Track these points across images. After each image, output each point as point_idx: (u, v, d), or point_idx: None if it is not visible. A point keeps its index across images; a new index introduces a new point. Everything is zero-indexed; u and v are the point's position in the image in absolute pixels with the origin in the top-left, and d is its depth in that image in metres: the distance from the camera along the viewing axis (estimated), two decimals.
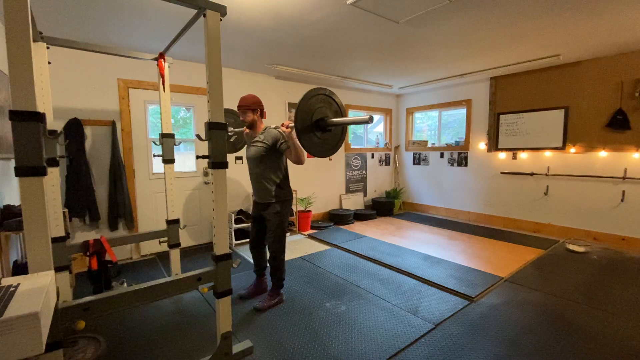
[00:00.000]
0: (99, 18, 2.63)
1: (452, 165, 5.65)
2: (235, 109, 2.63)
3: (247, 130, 2.57)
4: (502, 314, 2.37)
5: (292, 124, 2.07)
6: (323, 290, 2.80)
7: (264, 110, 2.51)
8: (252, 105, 2.42)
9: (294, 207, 4.77)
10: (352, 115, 5.85)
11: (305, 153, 2.26)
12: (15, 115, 1.13)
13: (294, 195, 4.76)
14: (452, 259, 3.50)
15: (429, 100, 5.93)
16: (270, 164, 2.45)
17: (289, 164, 2.63)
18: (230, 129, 2.69)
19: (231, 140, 2.81)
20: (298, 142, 2.03)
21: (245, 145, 2.66)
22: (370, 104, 6.06)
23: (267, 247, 2.58)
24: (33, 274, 1.15)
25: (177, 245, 2.80)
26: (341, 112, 2.08)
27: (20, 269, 2.29)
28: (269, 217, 2.49)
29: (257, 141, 2.45)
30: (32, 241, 1.19)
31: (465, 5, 2.48)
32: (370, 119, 1.78)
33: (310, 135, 1.92)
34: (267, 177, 2.46)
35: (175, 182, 2.78)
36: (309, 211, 4.89)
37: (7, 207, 2.23)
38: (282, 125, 2.30)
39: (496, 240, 4.23)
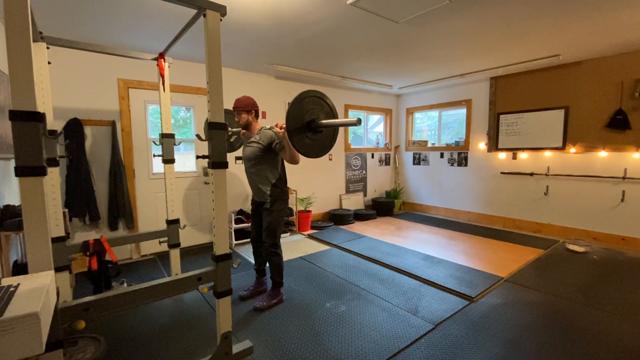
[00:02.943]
0: (99, 18, 2.63)
1: (452, 165, 5.65)
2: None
3: (243, 131, 2.61)
4: (502, 314, 2.37)
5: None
6: (323, 290, 2.80)
7: (259, 110, 2.54)
8: (246, 107, 2.47)
9: (294, 207, 4.78)
10: (351, 115, 5.88)
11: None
12: (15, 115, 1.13)
13: (294, 195, 4.76)
14: (452, 259, 3.50)
15: (429, 100, 5.93)
16: (266, 163, 2.48)
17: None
18: (229, 129, 2.73)
19: (231, 140, 2.82)
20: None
21: (243, 145, 2.68)
22: (370, 104, 6.06)
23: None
24: (33, 274, 1.15)
25: (177, 245, 2.80)
26: (333, 113, 2.10)
27: (20, 269, 2.29)
28: (264, 215, 2.53)
29: (253, 142, 2.48)
30: (32, 241, 1.19)
31: (465, 5, 2.49)
32: (359, 121, 1.81)
33: (302, 137, 1.95)
34: (263, 176, 2.49)
35: (175, 182, 2.78)
36: (309, 211, 4.89)
37: (7, 207, 2.23)
38: (276, 125, 2.34)
39: (496, 240, 4.23)
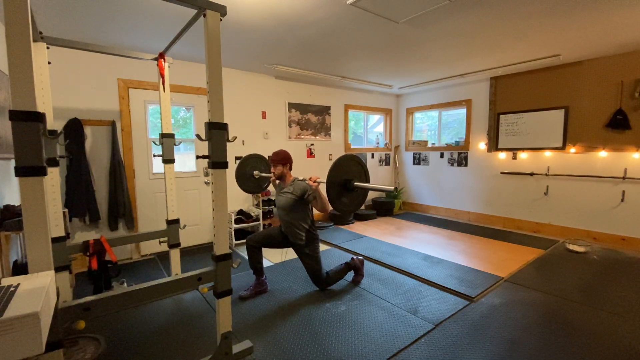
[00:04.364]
0: (99, 18, 2.63)
1: (452, 165, 5.65)
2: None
3: (277, 180, 2.80)
4: (502, 314, 2.37)
5: (320, 180, 2.29)
6: (323, 290, 2.80)
7: (292, 163, 2.76)
8: (282, 160, 2.69)
9: None
10: (351, 115, 5.89)
11: (325, 197, 2.37)
12: (15, 115, 1.13)
13: None
14: (452, 259, 3.50)
15: (429, 100, 5.93)
16: (299, 211, 2.67)
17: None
18: (256, 172, 2.96)
19: (256, 177, 3.00)
20: (324, 194, 2.18)
21: (276, 194, 2.85)
22: (370, 104, 6.06)
23: (315, 284, 2.81)
24: (33, 274, 1.15)
25: (177, 245, 2.80)
26: (366, 176, 2.18)
27: (20, 269, 2.28)
28: (303, 259, 2.74)
29: (287, 192, 2.67)
30: (32, 241, 1.19)
31: (465, 5, 2.49)
32: (395, 190, 1.86)
33: (340, 197, 2.04)
34: (297, 224, 2.68)
35: (175, 182, 2.78)
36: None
37: (7, 207, 2.23)
38: (310, 179, 2.45)
39: (496, 240, 4.23)
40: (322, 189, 2.22)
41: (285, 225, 2.74)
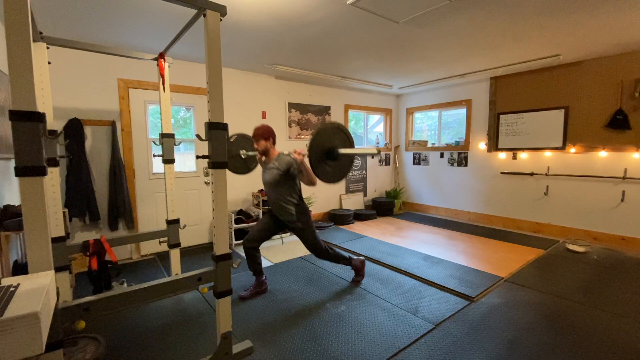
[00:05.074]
0: (99, 18, 2.63)
1: (452, 165, 5.65)
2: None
3: (262, 157, 2.74)
4: (502, 314, 2.37)
5: (304, 152, 2.21)
6: (323, 290, 2.80)
7: (276, 137, 2.71)
8: (264, 134, 2.61)
9: None
10: (351, 115, 5.88)
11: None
12: (15, 115, 1.13)
13: None
14: (452, 259, 3.50)
15: (429, 100, 5.93)
16: (285, 186, 2.62)
17: None
18: (243, 151, 2.91)
19: (243, 158, 2.97)
20: (309, 167, 2.14)
21: (262, 170, 2.80)
22: (370, 104, 6.06)
23: (315, 257, 2.80)
24: (33, 274, 1.15)
25: (177, 245, 2.80)
26: (350, 142, 2.16)
27: (20, 269, 2.28)
28: (299, 234, 2.71)
29: (272, 167, 2.61)
30: (32, 241, 1.19)
31: (465, 5, 2.49)
32: (379, 152, 1.89)
33: (323, 165, 2.04)
34: (285, 199, 2.63)
35: (175, 182, 2.78)
36: (309, 211, 4.87)
37: (7, 207, 2.22)
38: (295, 152, 2.44)
39: (496, 240, 4.23)
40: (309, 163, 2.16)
41: (274, 203, 2.68)
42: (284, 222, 2.72)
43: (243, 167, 3.00)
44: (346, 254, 2.92)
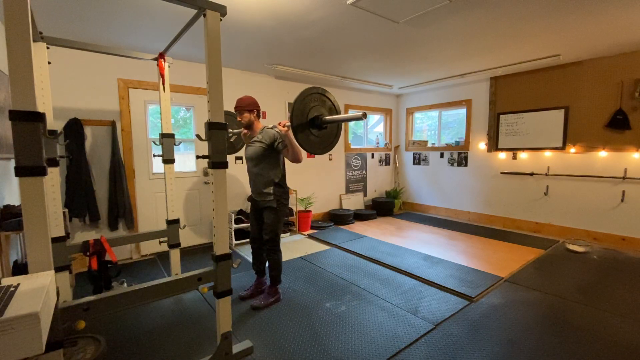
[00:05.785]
0: (99, 18, 2.63)
1: (452, 165, 5.65)
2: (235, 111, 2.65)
3: (245, 131, 2.61)
4: (502, 314, 2.37)
5: (289, 123, 2.10)
6: (323, 290, 2.80)
7: (261, 110, 2.55)
8: (248, 106, 2.48)
9: (293, 207, 4.78)
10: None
11: (303, 151, 2.28)
12: (15, 115, 1.13)
13: (294, 195, 4.76)
14: (452, 259, 3.50)
15: (429, 100, 5.93)
16: (268, 163, 2.49)
17: (287, 163, 2.63)
18: (229, 130, 2.75)
19: (231, 140, 2.84)
20: (295, 141, 2.05)
21: (244, 145, 2.68)
22: (370, 104, 6.06)
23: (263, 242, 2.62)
24: (33, 274, 1.15)
25: (177, 245, 2.80)
26: (335, 109, 2.11)
27: (20, 269, 2.28)
28: (266, 213, 2.54)
29: (256, 141, 2.50)
30: (32, 241, 1.19)
31: (465, 6, 2.48)
32: (364, 115, 1.80)
33: (307, 133, 1.96)
34: (266, 176, 2.50)
35: (175, 182, 2.78)
36: (309, 211, 4.88)
37: (7, 207, 2.23)
38: (279, 124, 2.34)
39: (496, 240, 4.23)
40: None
41: (254, 181, 2.54)
42: (259, 203, 2.56)
43: (229, 147, 2.84)
44: (280, 278, 2.66)
